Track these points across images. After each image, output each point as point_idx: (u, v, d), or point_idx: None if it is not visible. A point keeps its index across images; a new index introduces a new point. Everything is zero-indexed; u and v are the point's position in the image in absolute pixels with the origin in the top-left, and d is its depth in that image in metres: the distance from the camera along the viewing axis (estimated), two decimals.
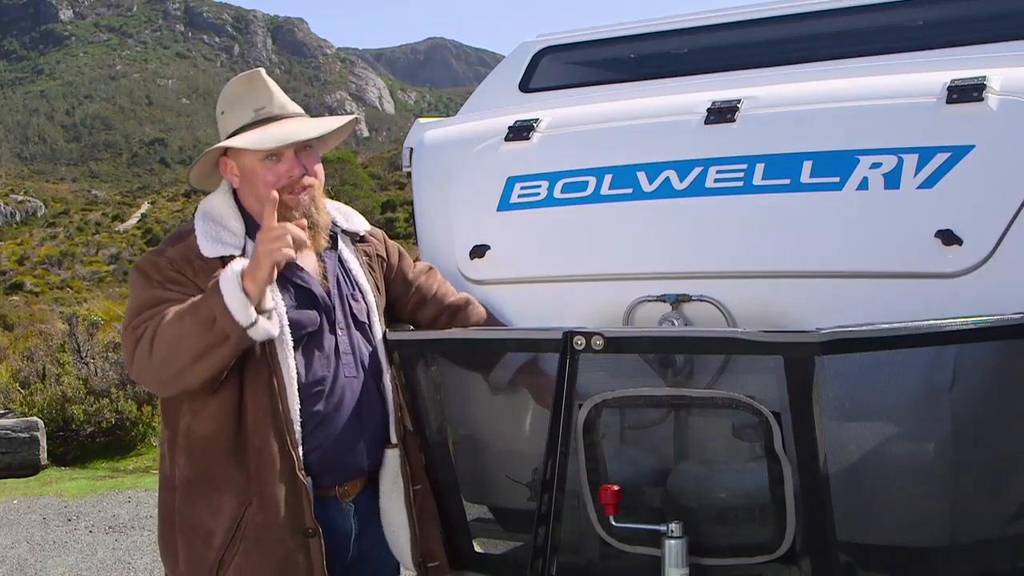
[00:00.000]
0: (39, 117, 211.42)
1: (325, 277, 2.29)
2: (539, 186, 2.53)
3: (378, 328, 2.35)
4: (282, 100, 2.30)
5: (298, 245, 2.08)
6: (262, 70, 2.33)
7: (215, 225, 2.22)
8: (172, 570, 2.26)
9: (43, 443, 7.73)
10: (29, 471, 7.58)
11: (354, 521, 2.31)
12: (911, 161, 2.11)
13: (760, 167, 2.26)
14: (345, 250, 2.38)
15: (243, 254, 2.17)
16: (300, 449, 2.15)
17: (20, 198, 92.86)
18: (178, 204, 78.43)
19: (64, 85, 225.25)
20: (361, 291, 2.35)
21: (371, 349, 2.32)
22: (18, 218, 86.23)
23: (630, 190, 2.40)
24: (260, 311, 2.04)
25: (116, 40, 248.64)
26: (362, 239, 2.45)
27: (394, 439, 2.33)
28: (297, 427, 2.15)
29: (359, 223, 2.45)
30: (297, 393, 2.15)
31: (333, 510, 2.25)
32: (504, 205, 2.57)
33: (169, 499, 2.23)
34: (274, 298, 2.12)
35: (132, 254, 57.83)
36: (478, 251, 2.58)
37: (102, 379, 8.71)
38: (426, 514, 2.36)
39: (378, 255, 2.47)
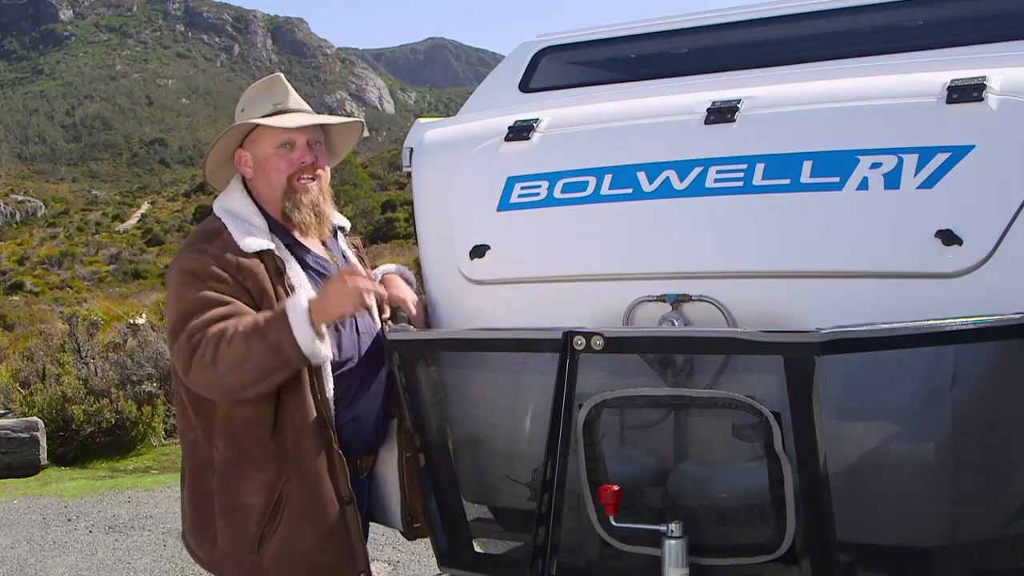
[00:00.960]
0: (39, 117, 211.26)
1: (336, 264, 2.47)
2: (539, 186, 2.53)
3: (375, 308, 2.50)
4: (298, 98, 2.48)
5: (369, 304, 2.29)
6: (281, 74, 2.50)
7: (242, 221, 2.34)
8: (209, 554, 2.36)
9: (43, 443, 7.73)
10: (29, 471, 7.58)
11: (367, 495, 2.49)
12: (911, 161, 2.10)
13: (760, 167, 2.25)
14: (342, 241, 2.60)
15: (276, 248, 2.32)
16: (335, 423, 2.30)
17: (20, 198, 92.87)
18: (178, 204, 78.45)
19: (64, 85, 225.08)
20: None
21: (376, 327, 2.48)
22: (18, 218, 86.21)
23: (630, 190, 2.40)
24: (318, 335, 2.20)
25: (116, 40, 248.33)
26: (347, 233, 2.66)
27: (393, 410, 2.51)
28: (332, 403, 2.30)
29: (341, 217, 2.64)
30: (331, 372, 2.31)
31: (355, 484, 2.36)
32: (504, 205, 2.57)
33: (207, 483, 2.33)
34: (302, 284, 2.31)
35: (132, 254, 57.80)
36: (478, 251, 2.58)
37: (102, 379, 8.71)
38: (412, 479, 2.52)
39: (359, 247, 2.70)
